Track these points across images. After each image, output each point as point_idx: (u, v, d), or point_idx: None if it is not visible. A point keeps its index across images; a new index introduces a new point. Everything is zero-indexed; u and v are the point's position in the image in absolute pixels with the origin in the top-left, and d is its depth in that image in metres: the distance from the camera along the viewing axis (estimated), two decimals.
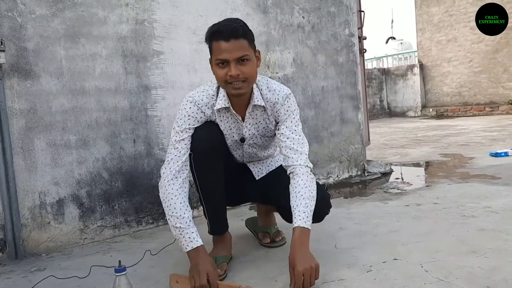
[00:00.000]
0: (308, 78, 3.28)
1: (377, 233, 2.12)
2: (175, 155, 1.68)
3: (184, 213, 1.62)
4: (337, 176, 3.50)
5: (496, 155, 4.07)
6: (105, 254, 2.11)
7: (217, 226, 1.85)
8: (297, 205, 1.64)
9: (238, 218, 2.49)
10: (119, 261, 1.46)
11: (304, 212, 1.62)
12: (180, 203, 1.63)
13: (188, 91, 2.57)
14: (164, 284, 1.66)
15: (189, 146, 1.69)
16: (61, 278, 1.76)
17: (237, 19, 1.65)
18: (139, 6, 2.42)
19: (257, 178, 1.96)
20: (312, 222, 1.83)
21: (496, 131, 6.36)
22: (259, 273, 1.73)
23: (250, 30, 1.64)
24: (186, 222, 1.61)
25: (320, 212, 1.78)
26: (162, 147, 2.50)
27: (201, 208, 1.86)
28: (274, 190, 1.87)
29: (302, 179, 1.68)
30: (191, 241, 1.60)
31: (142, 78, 2.45)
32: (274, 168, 2.00)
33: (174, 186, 1.65)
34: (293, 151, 1.72)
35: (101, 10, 2.30)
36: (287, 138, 1.74)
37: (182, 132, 1.69)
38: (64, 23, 2.20)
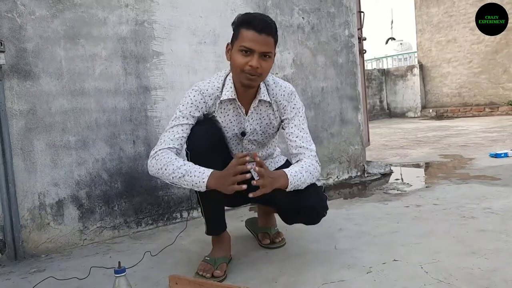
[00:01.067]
0: (307, 79, 3.28)
1: (377, 234, 2.12)
2: (168, 138, 1.66)
3: (183, 161, 1.60)
4: (337, 177, 3.50)
5: (496, 156, 4.07)
6: (104, 255, 2.11)
7: (214, 226, 1.85)
8: (293, 166, 1.68)
9: (238, 219, 2.49)
10: (119, 262, 1.46)
11: (295, 172, 1.65)
12: (175, 158, 1.60)
13: None
14: (164, 285, 1.66)
15: (186, 133, 1.67)
16: (61, 279, 1.76)
17: (270, 17, 1.67)
18: (138, 7, 2.42)
19: (256, 179, 1.95)
20: (309, 224, 1.84)
21: (496, 132, 6.37)
22: (259, 274, 1.73)
23: (277, 32, 1.68)
24: (189, 166, 1.57)
25: (317, 214, 1.78)
26: None
27: (200, 208, 1.86)
28: (273, 191, 1.87)
29: (306, 160, 1.73)
30: (203, 173, 1.55)
31: (141, 79, 2.45)
32: (273, 169, 2.00)
33: (165, 153, 1.62)
34: (304, 149, 1.77)
35: (101, 11, 2.31)
36: (297, 136, 1.78)
37: (182, 117, 1.68)
38: (64, 24, 2.20)
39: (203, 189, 1.56)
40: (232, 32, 1.69)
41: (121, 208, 2.39)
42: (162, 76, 2.52)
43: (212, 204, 1.80)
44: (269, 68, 1.67)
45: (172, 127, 1.68)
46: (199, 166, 1.59)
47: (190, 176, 1.56)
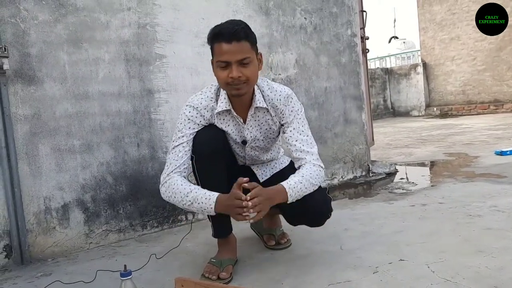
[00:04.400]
0: (311, 79, 3.27)
1: (382, 233, 2.11)
2: (174, 159, 1.69)
3: (189, 187, 1.62)
4: (342, 177, 3.49)
5: (502, 153, 4.05)
6: (110, 258, 2.11)
7: (221, 229, 1.85)
8: (293, 177, 1.66)
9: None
10: (125, 266, 1.46)
11: (295, 182, 1.63)
12: (181, 184, 1.63)
13: (191, 94, 2.58)
14: (170, 287, 1.66)
15: (187, 150, 1.69)
16: (67, 283, 1.76)
17: (239, 20, 1.65)
18: (141, 10, 2.43)
19: (261, 181, 1.95)
20: (313, 226, 1.84)
21: (501, 130, 6.33)
22: (265, 275, 1.73)
23: (252, 32, 1.64)
24: (195, 192, 1.60)
25: (321, 216, 1.78)
26: (166, 151, 2.50)
27: None
28: None
29: (307, 167, 1.71)
30: (209, 199, 1.58)
31: (145, 82, 2.45)
32: (278, 170, 2.00)
33: (173, 179, 1.65)
34: (304, 153, 1.74)
35: (103, 15, 2.31)
36: (296, 140, 1.75)
37: (182, 137, 1.70)
38: (67, 28, 2.20)
39: (213, 213, 1.60)
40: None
41: (126, 211, 2.40)
42: (165, 78, 2.52)
43: None
44: (253, 73, 1.63)
45: (174, 148, 1.71)
46: (204, 191, 1.61)
47: (198, 203, 1.60)
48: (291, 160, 2.07)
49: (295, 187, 1.62)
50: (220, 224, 1.83)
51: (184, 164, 1.69)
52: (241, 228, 2.26)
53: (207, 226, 1.96)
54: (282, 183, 1.63)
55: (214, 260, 1.78)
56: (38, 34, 2.12)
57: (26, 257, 2.08)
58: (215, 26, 1.63)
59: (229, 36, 1.56)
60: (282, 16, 3.09)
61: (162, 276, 1.81)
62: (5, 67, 1.98)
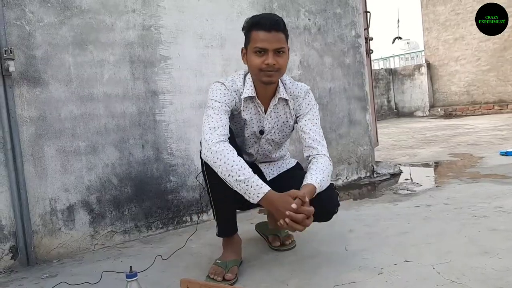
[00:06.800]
0: (315, 80, 3.27)
1: (387, 234, 2.11)
2: (220, 125, 1.63)
3: (245, 165, 1.57)
4: (346, 177, 3.49)
5: (507, 154, 4.04)
6: (115, 259, 2.12)
7: (226, 228, 1.85)
8: (311, 173, 1.69)
9: (247, 221, 2.49)
10: (130, 267, 1.46)
11: (316, 177, 1.66)
12: (237, 156, 1.58)
13: (195, 95, 2.60)
14: None
15: (227, 116, 1.69)
16: (73, 284, 1.77)
17: (276, 14, 1.74)
18: (145, 12, 2.44)
19: (268, 179, 1.95)
20: (321, 221, 1.82)
21: (505, 130, 6.31)
22: (270, 276, 1.73)
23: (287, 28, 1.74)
24: (249, 172, 1.55)
25: (329, 210, 1.77)
26: (171, 152, 2.51)
27: (211, 211, 1.86)
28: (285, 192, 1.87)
29: (321, 161, 1.75)
30: (260, 188, 1.53)
31: (149, 83, 2.46)
32: (285, 169, 2.01)
33: (225, 146, 1.58)
34: (316, 142, 1.81)
35: (108, 17, 2.32)
36: (310, 129, 1.83)
37: (219, 103, 1.69)
38: (72, 30, 2.21)
39: (253, 201, 1.55)
40: (244, 36, 1.75)
41: (131, 213, 2.40)
42: (170, 80, 2.53)
43: (224, 206, 1.80)
44: (285, 63, 1.73)
45: (216, 113, 1.67)
46: (257, 178, 1.56)
47: (247, 185, 1.54)
48: (297, 162, 2.09)
49: (321, 185, 1.67)
50: (226, 223, 1.84)
51: (229, 133, 1.66)
52: (246, 229, 2.26)
53: (212, 227, 1.96)
54: (311, 182, 1.64)
55: (219, 261, 1.78)
56: (43, 36, 2.14)
57: (32, 258, 2.09)
58: (255, 16, 1.73)
59: (270, 25, 1.66)
60: (286, 17, 3.09)
61: (168, 277, 1.81)
62: (11, 69, 1.99)
